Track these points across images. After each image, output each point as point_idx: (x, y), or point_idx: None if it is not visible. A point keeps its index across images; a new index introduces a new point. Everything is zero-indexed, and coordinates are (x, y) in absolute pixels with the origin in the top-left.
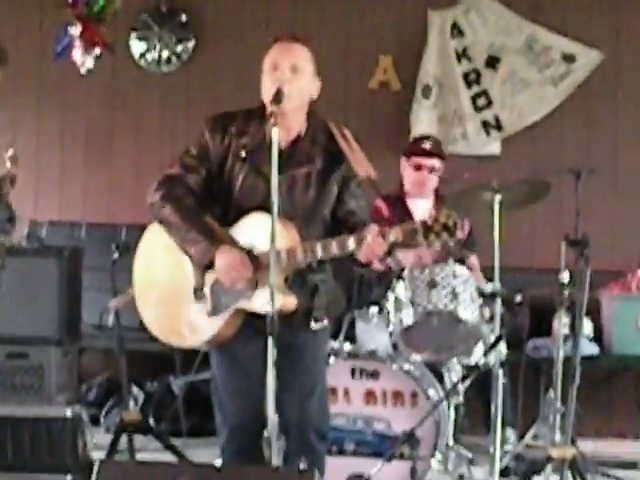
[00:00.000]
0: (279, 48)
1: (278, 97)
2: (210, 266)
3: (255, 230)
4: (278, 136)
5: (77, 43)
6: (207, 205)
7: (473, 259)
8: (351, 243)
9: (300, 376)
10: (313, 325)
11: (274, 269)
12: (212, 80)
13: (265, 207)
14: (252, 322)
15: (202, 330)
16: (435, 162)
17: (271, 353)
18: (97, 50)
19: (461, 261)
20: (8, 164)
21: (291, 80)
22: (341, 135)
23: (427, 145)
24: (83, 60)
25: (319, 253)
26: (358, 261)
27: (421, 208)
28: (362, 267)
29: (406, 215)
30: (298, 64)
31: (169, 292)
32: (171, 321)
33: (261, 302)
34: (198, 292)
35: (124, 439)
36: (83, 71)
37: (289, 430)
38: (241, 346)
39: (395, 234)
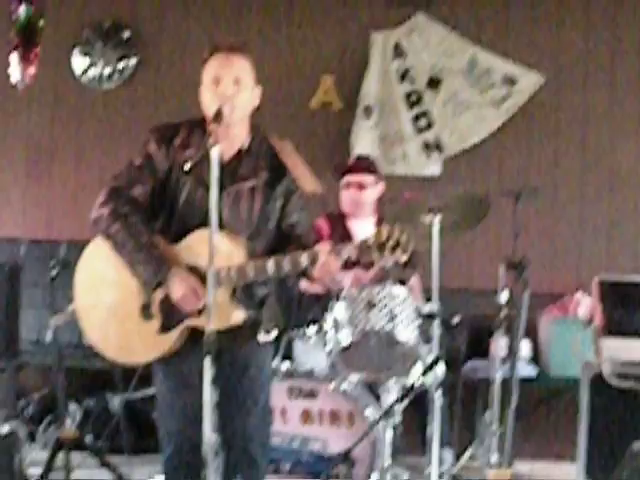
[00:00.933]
0: (219, 61)
1: (218, 117)
2: (158, 284)
3: (202, 247)
4: (221, 149)
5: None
6: (151, 217)
7: (414, 279)
8: (304, 260)
9: (245, 389)
10: (262, 337)
11: (212, 286)
12: (154, 97)
13: (209, 222)
14: (197, 338)
15: (152, 347)
16: (363, 178)
17: (208, 372)
18: (32, 68)
19: (401, 282)
20: None
21: (234, 95)
22: (283, 148)
23: (354, 162)
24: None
25: (271, 270)
26: (307, 277)
27: (362, 228)
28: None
29: (346, 235)
30: (240, 77)
31: (116, 309)
32: (119, 338)
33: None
34: (146, 310)
35: (61, 456)
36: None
37: (233, 443)
38: (186, 362)
39: (348, 251)
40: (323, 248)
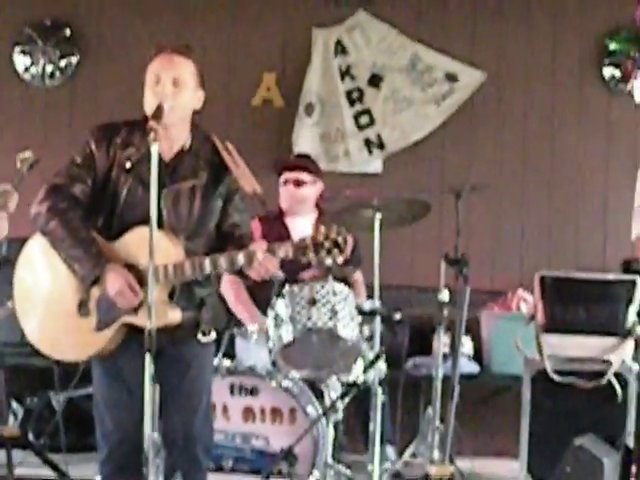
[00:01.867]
0: (161, 61)
1: (158, 113)
2: (96, 281)
3: (139, 245)
4: (161, 149)
5: None
6: (92, 216)
7: (357, 275)
8: (240, 259)
9: (186, 390)
10: (201, 338)
11: (153, 285)
12: (96, 95)
13: (149, 220)
14: (136, 336)
15: (88, 344)
16: (301, 175)
17: (149, 369)
18: None
19: (343, 279)
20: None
21: (173, 94)
22: (224, 149)
23: (293, 159)
24: None
25: (207, 268)
26: (245, 277)
27: (301, 226)
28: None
29: (284, 234)
30: (180, 78)
31: (54, 305)
32: (56, 335)
33: (146, 317)
34: (83, 307)
35: (3, 454)
36: None
37: (174, 443)
38: (124, 360)
39: (285, 250)
40: (259, 247)
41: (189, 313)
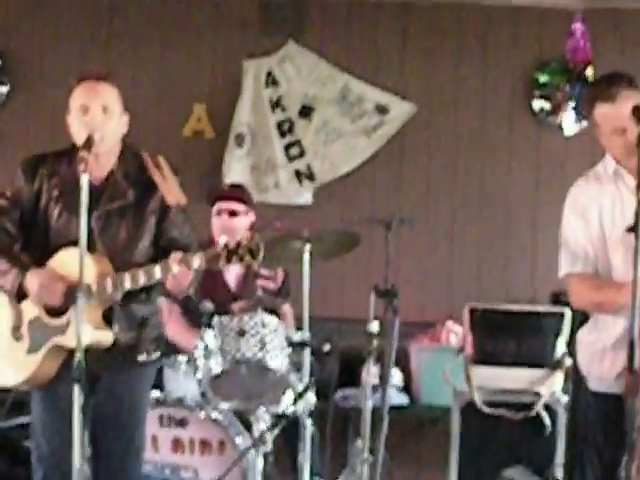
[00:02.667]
0: (86, 89)
1: (89, 144)
2: (24, 297)
3: (66, 265)
4: (91, 174)
5: None
6: (26, 246)
7: (286, 308)
8: (157, 272)
9: (121, 421)
10: (140, 358)
11: (81, 307)
12: (27, 125)
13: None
14: (72, 362)
15: (21, 368)
16: (234, 205)
17: (77, 399)
18: None
19: (272, 310)
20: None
21: (103, 123)
22: (155, 165)
23: (227, 189)
24: None
25: (127, 283)
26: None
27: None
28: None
29: None
30: (108, 105)
31: None
32: None
33: (74, 337)
34: (16, 330)
35: None
36: None
37: (106, 474)
38: (62, 386)
39: (198, 260)
40: (174, 258)
41: (130, 333)
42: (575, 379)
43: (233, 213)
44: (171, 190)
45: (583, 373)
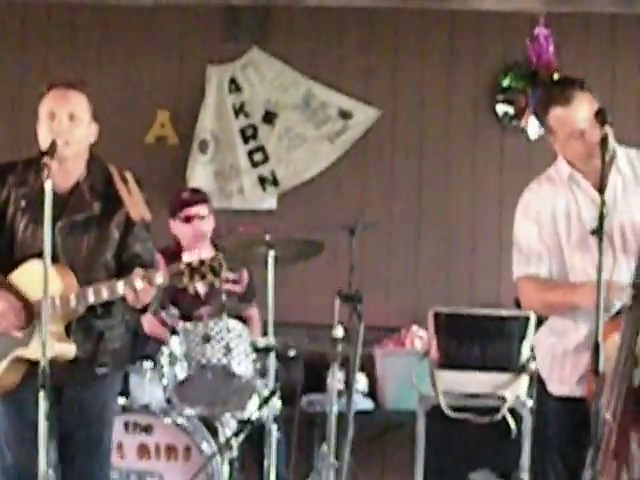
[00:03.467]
0: (55, 96)
1: (52, 149)
2: None
3: (30, 277)
4: (56, 183)
5: None
6: None
7: (253, 311)
8: (120, 287)
9: (85, 432)
10: (98, 370)
11: (45, 317)
12: None
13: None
14: (36, 372)
15: None
16: (202, 210)
17: (42, 406)
18: None
19: (237, 316)
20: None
21: (69, 129)
22: (121, 178)
23: (191, 195)
24: None
25: (91, 298)
26: (136, 311)
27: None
28: (139, 317)
29: None
30: (75, 113)
31: None
32: None
33: (37, 350)
34: None
35: None
36: None
37: (74, 478)
38: (25, 396)
39: (162, 277)
40: (137, 274)
41: (87, 346)
42: (537, 383)
43: (202, 217)
44: (136, 205)
45: (543, 377)
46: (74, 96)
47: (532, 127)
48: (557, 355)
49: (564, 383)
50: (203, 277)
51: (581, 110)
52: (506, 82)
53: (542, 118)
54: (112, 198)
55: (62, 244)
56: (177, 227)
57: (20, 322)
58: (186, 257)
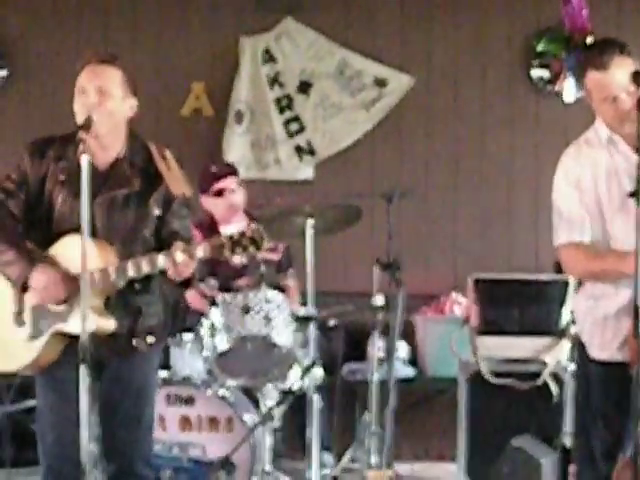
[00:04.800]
0: (87, 72)
1: (87, 124)
2: (28, 288)
3: (69, 252)
4: (95, 159)
5: None
6: (29, 229)
7: (291, 281)
8: (161, 260)
9: (129, 404)
10: (136, 345)
11: (85, 291)
12: (26, 110)
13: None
14: (75, 347)
15: (22, 354)
16: (233, 182)
17: (83, 381)
18: None
19: (277, 287)
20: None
21: (98, 104)
22: (161, 156)
23: (219, 169)
24: None
25: (131, 271)
26: (176, 285)
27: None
28: (181, 291)
29: None
30: (104, 87)
31: None
32: None
33: (77, 324)
34: (18, 316)
35: None
36: None
37: (116, 457)
38: (64, 372)
39: (203, 250)
40: (178, 247)
41: (124, 321)
42: (578, 347)
43: (234, 190)
44: (177, 181)
45: (584, 342)
46: (104, 71)
47: (567, 91)
48: (598, 320)
49: (605, 348)
50: (245, 249)
51: (617, 75)
52: (540, 47)
53: (579, 79)
54: (152, 174)
55: (101, 220)
56: (209, 202)
57: (61, 295)
58: (225, 229)
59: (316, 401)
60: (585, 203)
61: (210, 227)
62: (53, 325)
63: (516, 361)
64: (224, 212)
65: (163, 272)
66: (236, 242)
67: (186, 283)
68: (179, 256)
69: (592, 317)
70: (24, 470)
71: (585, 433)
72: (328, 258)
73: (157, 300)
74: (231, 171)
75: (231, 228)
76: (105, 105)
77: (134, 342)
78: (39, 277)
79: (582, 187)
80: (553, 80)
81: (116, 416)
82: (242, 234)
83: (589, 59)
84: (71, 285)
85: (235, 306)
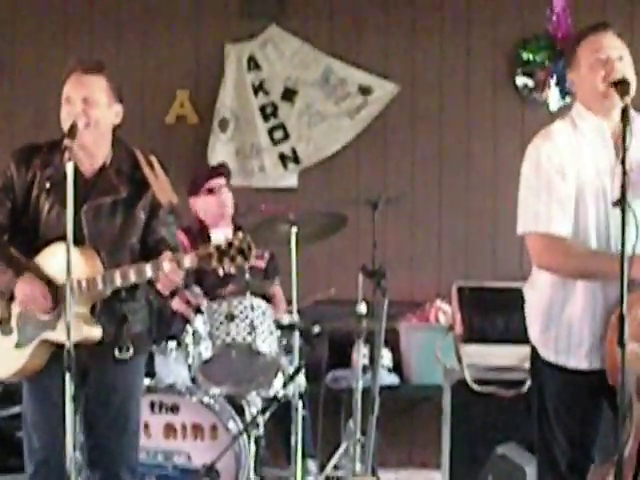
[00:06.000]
0: (72, 81)
1: (72, 131)
2: (12, 294)
3: (56, 259)
4: (82, 166)
5: None
6: (16, 237)
7: (276, 289)
8: (148, 270)
9: (113, 412)
10: (117, 354)
11: (71, 300)
12: (11, 115)
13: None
14: (60, 355)
15: (9, 362)
16: (222, 181)
17: (69, 388)
18: None
19: (261, 294)
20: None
21: (84, 113)
22: (147, 162)
23: (212, 169)
24: None
25: (118, 280)
26: (162, 295)
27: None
28: (167, 299)
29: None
30: (89, 96)
31: None
32: None
33: (64, 332)
34: (4, 324)
35: None
36: None
37: (101, 464)
38: (51, 379)
39: (190, 260)
40: (165, 257)
41: (109, 329)
42: (532, 353)
43: (225, 189)
44: (162, 188)
45: (542, 346)
46: (89, 79)
47: (552, 99)
48: (562, 325)
49: (571, 355)
50: (233, 260)
51: (613, 41)
52: (525, 55)
53: (571, 54)
54: (139, 181)
55: (88, 227)
56: (200, 202)
57: (47, 305)
58: (213, 237)
59: (300, 409)
60: (566, 192)
61: (199, 232)
62: (40, 333)
63: (500, 369)
64: (215, 211)
65: (149, 280)
66: (224, 252)
67: (172, 293)
68: (166, 266)
69: (557, 321)
70: (9, 477)
71: (545, 445)
72: (313, 266)
73: (143, 307)
74: (224, 172)
75: (220, 234)
76: (91, 114)
77: (116, 353)
78: (25, 287)
79: (566, 175)
80: (537, 88)
81: (101, 423)
82: (230, 244)
83: (583, 31)
84: (57, 294)
85: (220, 313)
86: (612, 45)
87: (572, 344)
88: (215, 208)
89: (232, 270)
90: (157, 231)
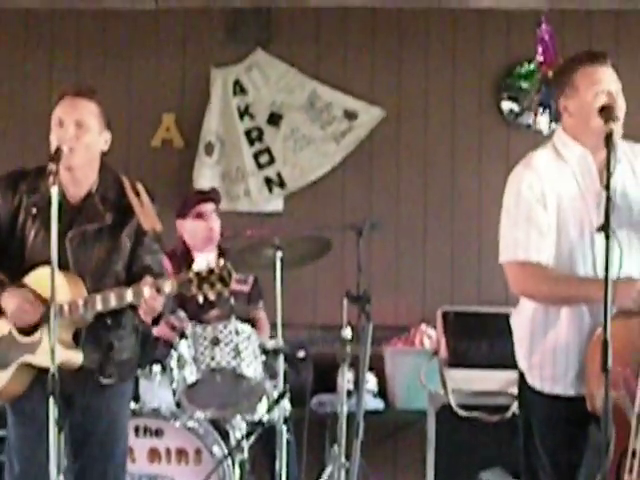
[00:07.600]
0: (64, 104)
1: (57, 156)
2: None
3: (39, 284)
4: (68, 192)
5: None
6: (1, 262)
7: (261, 313)
8: (129, 295)
9: (99, 438)
10: (102, 380)
11: (54, 324)
12: None
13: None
14: (44, 379)
15: None
16: (212, 207)
17: (52, 413)
18: None
19: (246, 319)
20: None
21: (76, 137)
22: (133, 189)
23: (199, 193)
24: None
25: (99, 305)
26: (145, 322)
27: (207, 261)
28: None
29: None
30: (82, 120)
31: None
32: None
33: (45, 356)
34: None
35: None
36: None
37: None
38: (34, 404)
39: (170, 286)
40: (146, 283)
41: (94, 356)
42: (519, 379)
43: (214, 215)
44: (148, 216)
45: (529, 373)
46: (82, 104)
47: (543, 123)
48: (547, 351)
49: (558, 382)
50: (212, 286)
51: (612, 74)
52: (510, 80)
53: (565, 79)
54: (124, 209)
55: (73, 254)
56: (187, 225)
57: (34, 315)
58: (196, 263)
59: (284, 433)
60: (546, 221)
61: (183, 255)
62: (20, 357)
63: (485, 394)
64: (202, 236)
65: (134, 307)
66: (204, 279)
67: (156, 320)
68: (147, 291)
69: (541, 348)
70: None
71: (531, 470)
72: (297, 290)
73: (129, 334)
74: (215, 197)
75: (203, 259)
76: (82, 138)
77: (101, 378)
78: (10, 300)
79: (546, 203)
80: (523, 112)
81: (87, 448)
82: (210, 271)
83: (581, 57)
84: (42, 310)
85: (204, 338)
86: (612, 79)
87: (557, 372)
88: (203, 233)
89: (212, 297)
90: (142, 259)
